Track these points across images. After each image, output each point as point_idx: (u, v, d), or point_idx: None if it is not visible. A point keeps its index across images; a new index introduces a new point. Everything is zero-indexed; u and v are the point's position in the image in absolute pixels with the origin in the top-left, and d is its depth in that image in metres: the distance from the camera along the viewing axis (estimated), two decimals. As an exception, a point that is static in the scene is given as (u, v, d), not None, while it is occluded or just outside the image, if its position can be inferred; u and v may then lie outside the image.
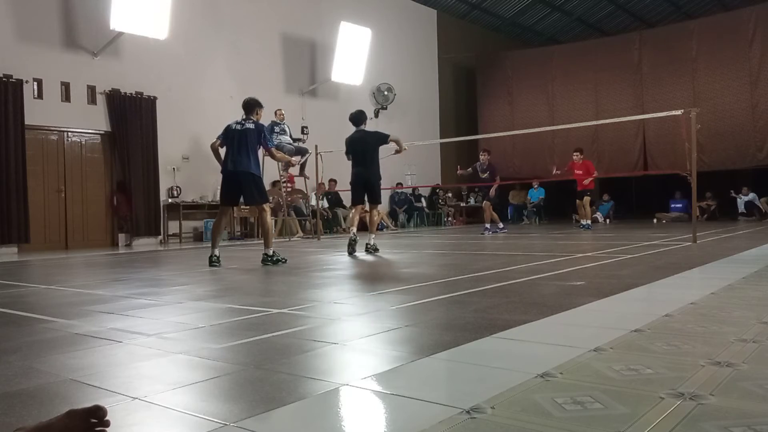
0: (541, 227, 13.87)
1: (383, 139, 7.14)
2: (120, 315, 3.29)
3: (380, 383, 1.89)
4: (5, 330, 2.97)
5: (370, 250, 7.06)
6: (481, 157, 11.10)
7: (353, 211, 7.52)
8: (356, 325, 2.90)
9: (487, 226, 11.10)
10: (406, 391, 1.79)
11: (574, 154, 11.99)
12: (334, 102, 14.19)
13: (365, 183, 7.16)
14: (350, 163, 7.31)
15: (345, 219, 13.77)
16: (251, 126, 6.02)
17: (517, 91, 16.91)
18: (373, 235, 7.21)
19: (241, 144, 5.94)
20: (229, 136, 6.04)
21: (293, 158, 6.67)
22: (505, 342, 2.38)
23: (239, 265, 6.24)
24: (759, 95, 13.68)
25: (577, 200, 12.12)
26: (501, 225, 11.29)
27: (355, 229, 7.23)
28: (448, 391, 1.86)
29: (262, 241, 6.25)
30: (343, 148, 7.39)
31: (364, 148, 7.07)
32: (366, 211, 7.74)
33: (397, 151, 7.30)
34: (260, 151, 6.22)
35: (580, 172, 11.82)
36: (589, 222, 11.83)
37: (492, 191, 11.00)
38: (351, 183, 7.33)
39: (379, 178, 7.25)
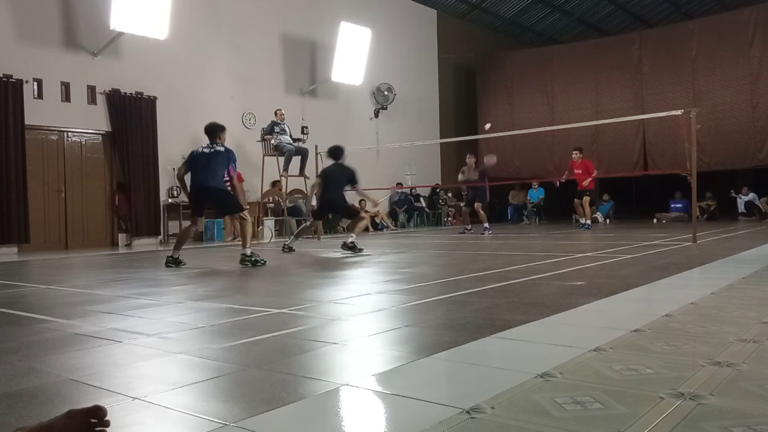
0: (541, 227, 13.87)
1: (353, 179, 7.68)
2: (120, 315, 3.29)
3: (380, 383, 1.89)
4: (5, 330, 2.97)
5: (349, 246, 7.26)
6: (468, 161, 11.49)
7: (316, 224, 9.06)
8: (356, 325, 2.90)
9: (486, 225, 11.15)
10: (406, 391, 1.79)
11: (573, 152, 11.97)
12: (334, 102, 14.19)
13: (332, 208, 8.22)
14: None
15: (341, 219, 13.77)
16: (221, 149, 6.20)
17: (517, 91, 16.90)
18: (353, 235, 7.39)
19: (209, 165, 6.13)
20: (196, 160, 6.22)
21: (244, 200, 6.86)
22: (505, 342, 2.38)
23: (239, 266, 6.23)
24: (759, 95, 13.67)
25: (576, 200, 12.11)
26: (470, 227, 11.63)
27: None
28: (448, 391, 1.86)
29: (240, 242, 6.41)
30: (345, 148, 7.93)
31: (338, 181, 7.70)
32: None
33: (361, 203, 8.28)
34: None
35: (580, 171, 11.80)
36: (589, 222, 11.82)
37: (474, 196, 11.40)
38: (318, 208, 8.15)
39: (345, 201, 8.00)
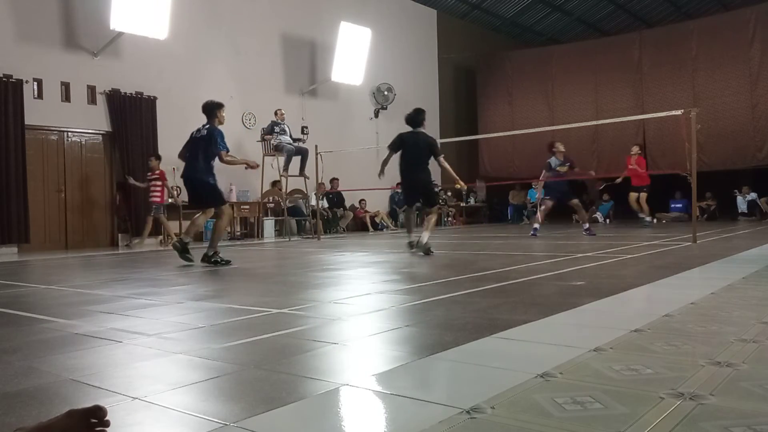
0: (542, 227, 13.85)
1: (434, 150, 6.77)
2: (120, 315, 3.29)
3: (380, 383, 1.89)
4: (5, 330, 2.97)
5: (428, 251, 6.56)
6: (560, 148, 9.87)
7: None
8: (356, 325, 2.90)
9: (586, 225, 9.76)
10: (406, 391, 1.79)
11: (633, 148, 11.93)
12: (334, 102, 14.19)
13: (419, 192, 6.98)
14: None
15: (341, 219, 13.78)
16: (204, 133, 6.06)
17: (517, 91, 16.90)
18: (428, 234, 6.57)
19: (195, 151, 6.05)
20: (189, 142, 6.16)
21: (251, 161, 6.49)
22: (505, 342, 2.38)
23: (239, 265, 6.23)
24: (759, 95, 13.67)
25: (632, 193, 11.95)
26: (586, 225, 9.77)
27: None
28: (448, 391, 1.86)
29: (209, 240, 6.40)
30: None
31: (420, 153, 6.77)
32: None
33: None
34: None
35: (636, 167, 11.62)
36: (649, 218, 11.73)
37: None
38: (403, 193, 7.42)
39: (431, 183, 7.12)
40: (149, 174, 10.25)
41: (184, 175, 6.15)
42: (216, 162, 6.13)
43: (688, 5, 18.35)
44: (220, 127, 6.15)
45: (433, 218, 6.54)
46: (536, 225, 9.86)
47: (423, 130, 6.82)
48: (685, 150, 7.59)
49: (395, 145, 6.81)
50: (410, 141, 6.64)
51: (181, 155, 6.30)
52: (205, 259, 6.01)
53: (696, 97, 14.03)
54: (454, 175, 6.83)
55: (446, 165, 6.75)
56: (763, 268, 4.54)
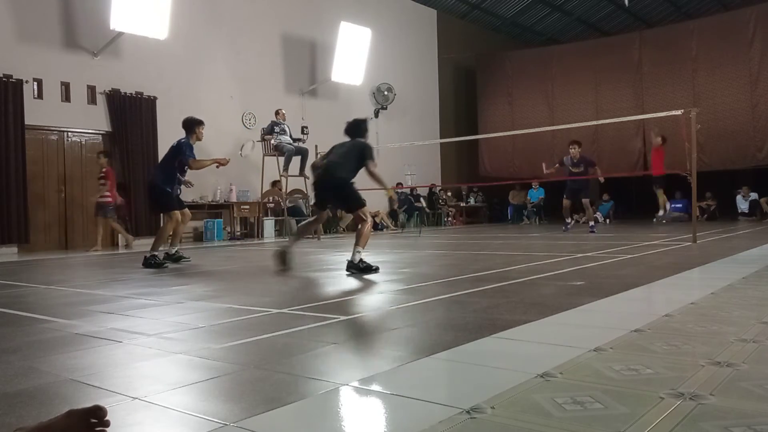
0: (541, 227, 13.87)
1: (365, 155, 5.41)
2: (120, 315, 3.29)
3: (380, 383, 1.89)
4: (5, 330, 2.97)
5: (359, 266, 5.13)
6: (572, 151, 10.27)
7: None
8: (356, 325, 2.90)
9: (591, 223, 10.44)
10: (406, 391, 1.79)
11: (657, 138, 11.56)
12: (334, 102, 14.19)
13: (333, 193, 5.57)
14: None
15: (341, 219, 13.78)
16: (174, 144, 6.31)
17: (517, 91, 16.90)
18: (360, 249, 5.17)
19: (162, 160, 6.46)
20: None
21: (221, 159, 6.56)
22: (505, 342, 2.38)
23: (240, 266, 6.23)
24: (759, 95, 13.67)
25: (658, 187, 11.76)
26: (592, 223, 10.52)
27: None
28: (448, 391, 1.86)
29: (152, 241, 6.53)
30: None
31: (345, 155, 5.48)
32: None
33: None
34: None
35: (657, 159, 11.50)
36: (662, 212, 11.72)
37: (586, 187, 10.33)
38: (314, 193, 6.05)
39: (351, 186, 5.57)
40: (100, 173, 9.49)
41: (154, 182, 6.40)
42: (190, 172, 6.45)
43: (688, 5, 18.35)
44: (197, 143, 6.41)
45: (365, 227, 5.15)
46: (592, 223, 10.52)
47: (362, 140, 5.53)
48: (685, 150, 7.59)
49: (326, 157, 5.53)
50: (338, 148, 5.45)
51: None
52: (147, 261, 6.14)
53: (696, 97, 14.04)
54: (383, 183, 5.56)
55: (375, 172, 5.37)
56: (763, 268, 4.54)
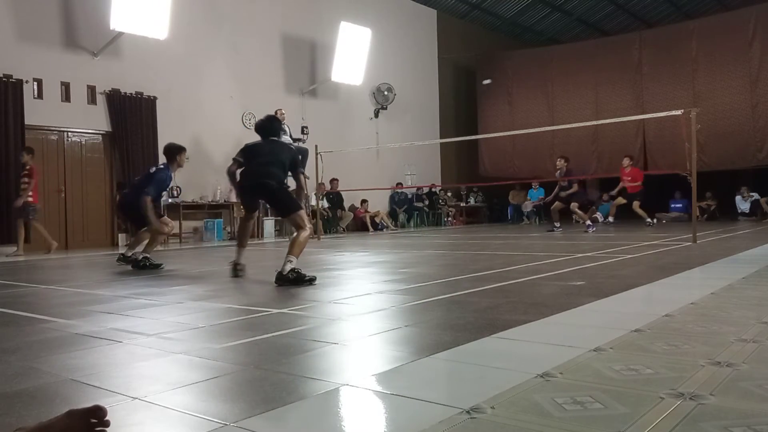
0: (541, 227, 13.87)
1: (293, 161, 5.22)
2: (120, 315, 3.29)
3: (380, 383, 1.89)
4: (5, 330, 2.97)
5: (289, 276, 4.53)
6: (558, 163, 11.14)
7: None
8: (356, 325, 2.90)
9: (588, 223, 10.93)
10: (406, 391, 1.79)
11: (625, 159, 12.35)
12: (334, 102, 14.19)
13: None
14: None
15: (341, 219, 13.79)
16: (152, 172, 6.32)
17: (517, 91, 16.89)
18: (293, 258, 4.56)
19: (140, 183, 6.38)
20: (143, 175, 6.58)
21: (166, 226, 6.56)
22: (505, 342, 2.38)
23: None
24: (759, 95, 13.67)
25: (635, 202, 12.22)
26: (588, 223, 11.04)
27: None
28: (448, 391, 1.86)
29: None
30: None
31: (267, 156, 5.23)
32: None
33: None
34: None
35: (629, 178, 12.11)
36: (649, 219, 12.08)
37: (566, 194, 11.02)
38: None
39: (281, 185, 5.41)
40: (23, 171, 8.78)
41: (124, 201, 6.53)
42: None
43: (688, 5, 18.35)
44: (178, 170, 6.44)
45: (302, 234, 4.66)
46: (588, 222, 11.01)
47: (280, 140, 5.42)
48: (685, 150, 7.59)
49: (242, 156, 5.07)
50: (265, 149, 5.03)
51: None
52: (122, 258, 6.25)
53: (696, 97, 14.03)
54: (306, 189, 5.60)
55: (304, 182, 5.32)
56: (763, 268, 4.54)
